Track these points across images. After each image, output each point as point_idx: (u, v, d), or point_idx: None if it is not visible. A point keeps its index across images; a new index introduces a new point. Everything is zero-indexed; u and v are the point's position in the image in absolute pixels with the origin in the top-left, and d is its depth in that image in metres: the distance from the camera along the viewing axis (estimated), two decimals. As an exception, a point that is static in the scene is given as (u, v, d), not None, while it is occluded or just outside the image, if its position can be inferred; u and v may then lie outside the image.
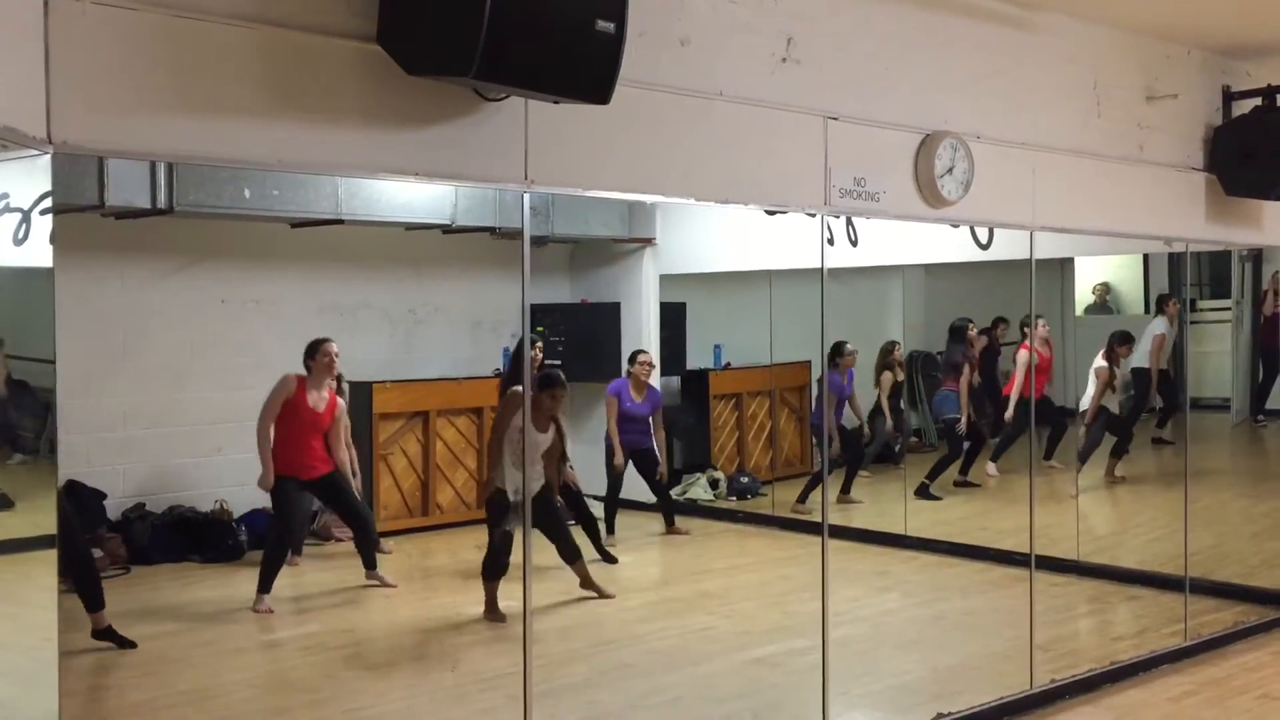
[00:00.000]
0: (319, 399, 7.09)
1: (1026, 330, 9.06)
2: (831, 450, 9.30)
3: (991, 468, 9.72)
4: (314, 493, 7.36)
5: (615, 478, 8.87)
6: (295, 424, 6.98)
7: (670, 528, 9.21)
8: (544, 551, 6.90)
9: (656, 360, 9.52)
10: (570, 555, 7.10)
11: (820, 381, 9.08)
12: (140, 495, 8.14)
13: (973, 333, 9.65)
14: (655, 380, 9.31)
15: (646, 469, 8.98)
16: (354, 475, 7.53)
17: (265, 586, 6.83)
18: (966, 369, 9.51)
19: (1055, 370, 9.77)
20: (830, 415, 9.14)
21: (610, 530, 8.71)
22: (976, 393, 9.93)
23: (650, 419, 8.93)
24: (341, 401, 7.28)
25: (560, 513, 7.31)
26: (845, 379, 9.42)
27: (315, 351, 7.11)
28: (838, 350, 9.13)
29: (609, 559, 8.07)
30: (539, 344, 8.06)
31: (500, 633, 6.49)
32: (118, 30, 3.13)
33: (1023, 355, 9.17)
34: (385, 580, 7.38)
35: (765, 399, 10.80)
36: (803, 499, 9.49)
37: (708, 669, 6.08)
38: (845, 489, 9.47)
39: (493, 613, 6.68)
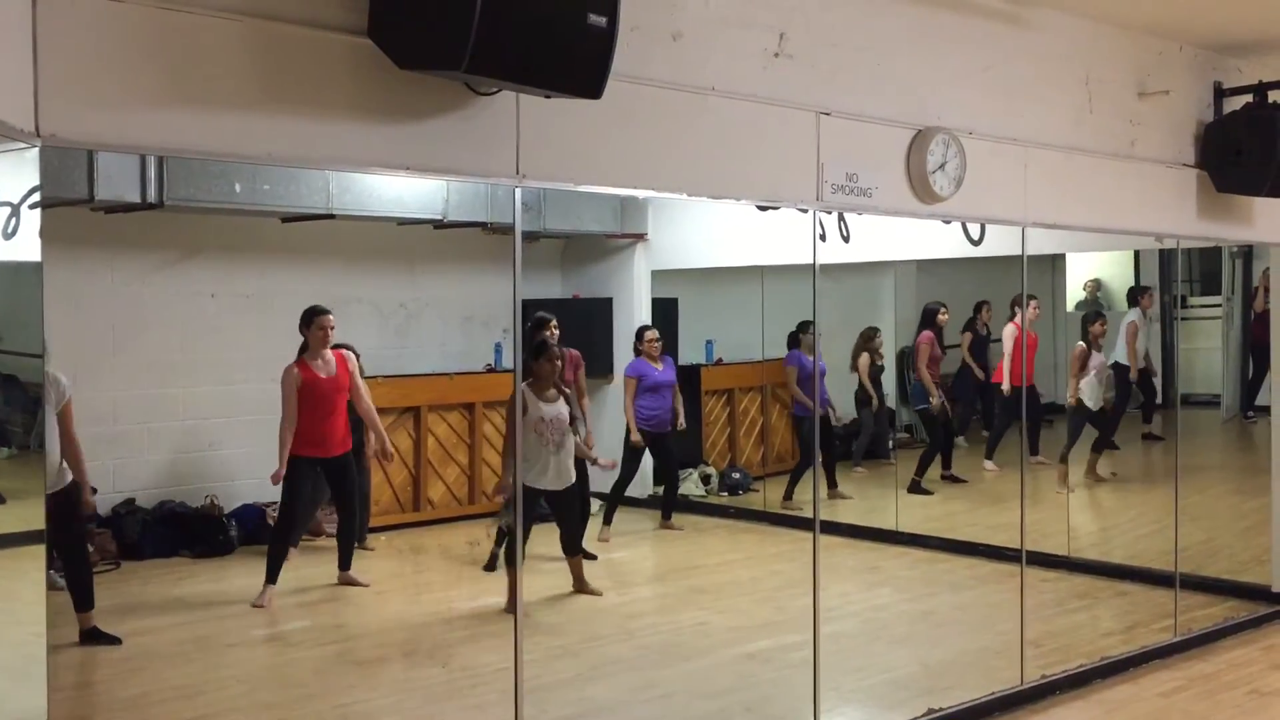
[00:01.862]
0: (325, 366, 6.96)
1: (1016, 309, 9.12)
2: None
3: (989, 464, 9.72)
4: (328, 473, 7.13)
5: (630, 462, 8.79)
6: (314, 401, 6.86)
7: (665, 522, 9.21)
8: (534, 544, 6.90)
9: None
10: (572, 548, 7.06)
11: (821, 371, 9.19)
12: (130, 490, 8.11)
13: (943, 317, 9.67)
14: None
15: (665, 454, 8.98)
16: (379, 438, 7.40)
17: (271, 577, 6.77)
18: (925, 348, 9.54)
19: (1045, 364, 9.79)
20: (799, 391, 9.31)
21: (607, 521, 8.68)
22: (968, 385, 9.96)
23: (672, 388, 8.91)
24: (350, 355, 7.13)
25: (579, 506, 7.25)
26: (813, 357, 9.43)
27: (310, 322, 6.95)
28: (802, 329, 9.15)
29: (587, 555, 7.93)
30: (552, 322, 7.75)
31: (492, 628, 6.48)
32: (107, 22, 3.11)
33: (1009, 330, 9.24)
34: (356, 580, 7.24)
35: (757, 395, 10.80)
36: (788, 495, 9.49)
37: (700, 664, 6.08)
38: (830, 483, 9.47)
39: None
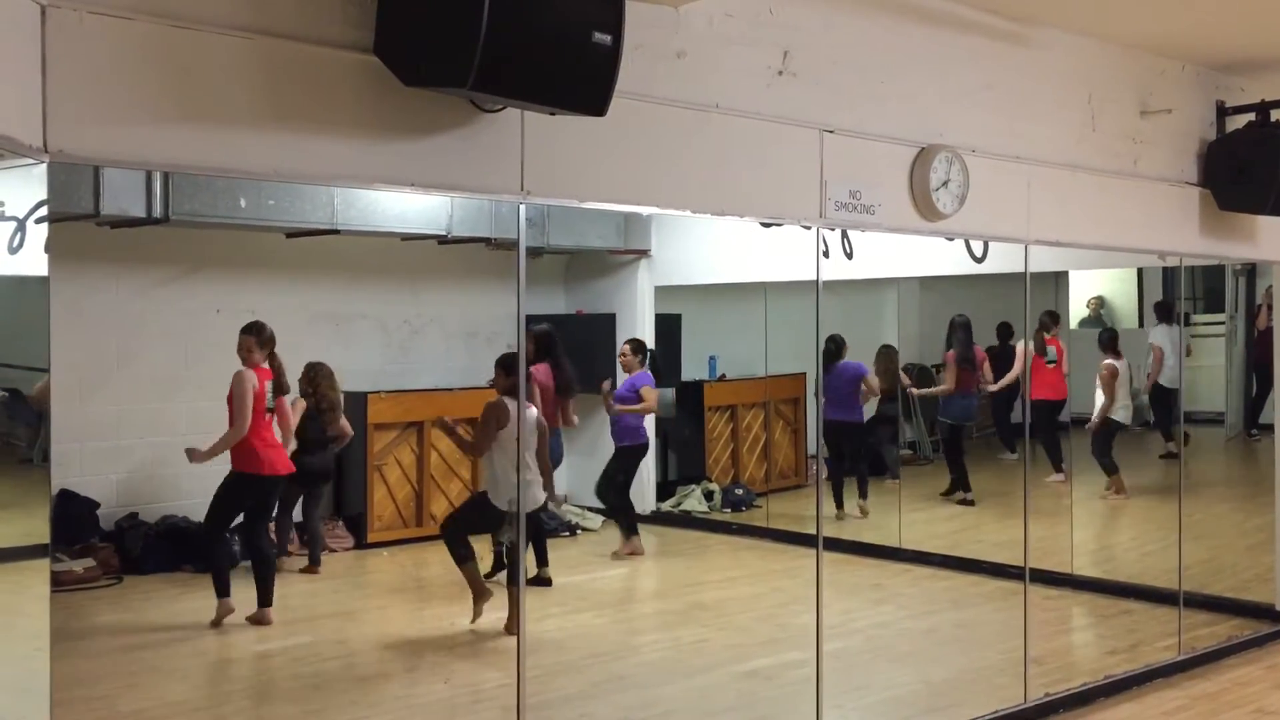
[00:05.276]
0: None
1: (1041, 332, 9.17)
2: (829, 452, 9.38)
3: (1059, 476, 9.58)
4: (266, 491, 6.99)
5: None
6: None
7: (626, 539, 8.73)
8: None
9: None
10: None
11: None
12: (133, 504, 8.11)
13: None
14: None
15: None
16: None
17: (259, 599, 6.73)
18: (986, 366, 9.59)
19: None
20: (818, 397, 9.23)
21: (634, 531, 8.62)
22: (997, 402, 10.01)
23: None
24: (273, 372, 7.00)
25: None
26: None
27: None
28: (835, 343, 9.11)
29: (543, 581, 7.53)
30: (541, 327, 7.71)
31: (493, 644, 6.47)
32: (114, 40, 3.13)
33: (1051, 350, 9.32)
34: (260, 620, 6.66)
35: (760, 411, 10.80)
36: (863, 495, 9.47)
37: (701, 681, 6.06)
38: (862, 494, 9.49)
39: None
